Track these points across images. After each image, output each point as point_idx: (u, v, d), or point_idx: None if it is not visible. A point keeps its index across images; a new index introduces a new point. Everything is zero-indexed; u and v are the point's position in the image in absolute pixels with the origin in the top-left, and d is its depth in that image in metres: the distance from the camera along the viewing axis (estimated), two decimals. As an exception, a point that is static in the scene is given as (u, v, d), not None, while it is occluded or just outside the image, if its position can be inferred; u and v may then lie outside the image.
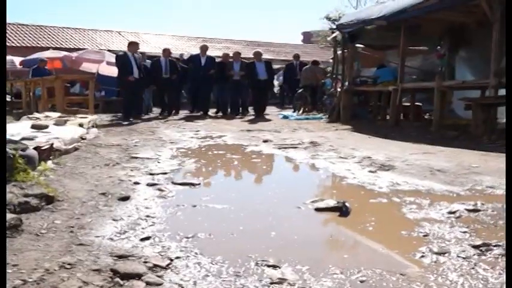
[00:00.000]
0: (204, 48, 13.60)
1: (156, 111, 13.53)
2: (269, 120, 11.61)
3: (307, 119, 11.89)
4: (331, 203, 3.39)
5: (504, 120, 9.06)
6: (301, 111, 13.33)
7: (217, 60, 13.92)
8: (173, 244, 2.57)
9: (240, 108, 13.44)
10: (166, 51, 13.24)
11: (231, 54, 14.64)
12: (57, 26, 26.93)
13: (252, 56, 13.69)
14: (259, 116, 12.44)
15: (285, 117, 12.30)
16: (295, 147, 6.57)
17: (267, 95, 13.97)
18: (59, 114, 8.83)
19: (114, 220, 2.99)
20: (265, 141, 7.26)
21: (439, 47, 11.89)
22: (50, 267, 2.18)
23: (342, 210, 3.23)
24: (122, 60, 11.55)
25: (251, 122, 11.05)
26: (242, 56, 14.19)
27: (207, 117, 12.29)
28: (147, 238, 2.66)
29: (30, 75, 13.98)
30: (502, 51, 7.40)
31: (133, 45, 11.92)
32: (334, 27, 14.44)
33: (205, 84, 13.02)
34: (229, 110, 13.39)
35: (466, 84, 8.83)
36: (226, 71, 13.08)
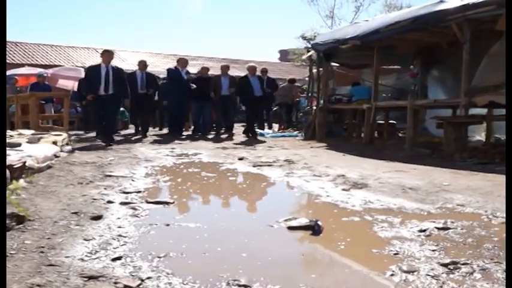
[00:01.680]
0: (182, 62, 12.23)
1: (131, 127, 13.43)
2: (246, 138, 11.61)
3: (283, 136, 11.98)
4: (304, 221, 3.41)
5: (475, 139, 9.28)
6: (277, 129, 13.42)
7: (195, 75, 13.11)
8: (145, 264, 2.55)
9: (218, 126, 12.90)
10: (142, 64, 12.19)
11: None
12: (32, 42, 26.74)
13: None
14: (253, 137, 11.56)
15: (261, 134, 12.34)
16: (270, 165, 6.60)
17: (262, 114, 13.00)
18: (32, 131, 8.72)
19: (85, 240, 2.95)
20: (240, 158, 7.28)
21: (412, 66, 12.13)
22: (19, 289, 2.14)
23: (314, 229, 3.25)
24: (89, 74, 10.03)
25: (227, 139, 11.04)
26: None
27: (183, 135, 12.06)
28: (119, 258, 2.63)
29: (28, 90, 13.56)
30: (472, 71, 7.61)
31: (105, 55, 9.89)
32: (310, 46, 14.62)
33: (187, 100, 12.17)
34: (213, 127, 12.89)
35: (438, 103, 9.02)
36: (214, 87, 12.13)
